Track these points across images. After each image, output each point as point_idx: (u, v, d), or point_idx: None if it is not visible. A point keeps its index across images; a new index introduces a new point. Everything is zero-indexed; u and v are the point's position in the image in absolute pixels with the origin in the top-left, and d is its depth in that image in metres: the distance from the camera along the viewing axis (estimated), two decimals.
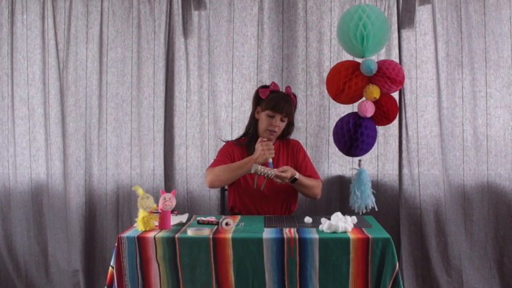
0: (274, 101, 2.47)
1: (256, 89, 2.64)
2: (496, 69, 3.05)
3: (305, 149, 2.74)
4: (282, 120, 2.50)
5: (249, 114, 2.69)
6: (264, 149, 2.38)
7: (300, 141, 2.75)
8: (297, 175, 2.42)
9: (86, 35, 3.18)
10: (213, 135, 3.15)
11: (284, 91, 2.58)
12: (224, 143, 2.70)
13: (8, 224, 3.24)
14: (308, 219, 2.20)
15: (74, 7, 3.17)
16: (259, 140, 2.43)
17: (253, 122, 2.60)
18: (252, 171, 2.32)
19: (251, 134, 2.60)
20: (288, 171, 2.36)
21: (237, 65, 3.13)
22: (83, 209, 3.18)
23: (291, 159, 2.62)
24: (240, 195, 2.56)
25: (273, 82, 2.58)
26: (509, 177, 3.06)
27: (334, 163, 3.11)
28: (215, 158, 2.62)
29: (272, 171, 2.32)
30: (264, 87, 2.58)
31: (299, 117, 3.10)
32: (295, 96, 2.60)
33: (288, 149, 2.63)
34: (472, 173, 3.08)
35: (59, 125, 3.18)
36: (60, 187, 3.18)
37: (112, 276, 1.97)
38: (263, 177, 2.35)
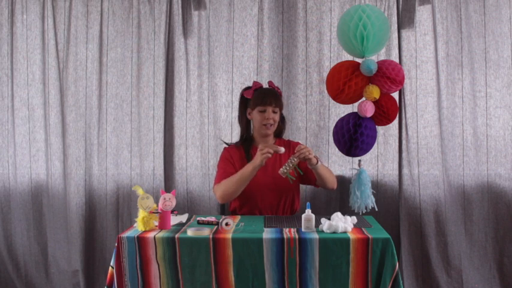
0: (261, 96, 2.54)
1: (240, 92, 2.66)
2: (496, 69, 3.05)
3: None
4: (274, 112, 2.54)
5: None
6: (260, 150, 2.35)
7: (300, 142, 2.74)
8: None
9: (86, 35, 3.18)
10: (213, 135, 3.15)
11: (268, 86, 2.63)
12: (224, 144, 2.70)
13: (8, 224, 3.24)
14: None
15: (74, 7, 3.17)
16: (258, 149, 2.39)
17: (247, 124, 2.64)
18: (284, 176, 2.32)
19: (246, 136, 2.64)
20: (307, 148, 2.33)
21: (237, 65, 3.13)
22: (83, 209, 3.17)
23: None
24: (241, 197, 2.55)
25: (254, 81, 2.62)
26: (509, 177, 3.06)
27: (334, 163, 3.10)
28: (217, 170, 2.61)
29: (293, 159, 2.31)
30: (247, 88, 2.64)
31: (299, 117, 3.10)
32: (278, 88, 2.66)
33: (290, 151, 2.63)
34: (472, 173, 3.07)
35: (59, 125, 3.17)
36: (60, 187, 3.18)
37: (112, 276, 1.97)
38: (293, 171, 2.34)
